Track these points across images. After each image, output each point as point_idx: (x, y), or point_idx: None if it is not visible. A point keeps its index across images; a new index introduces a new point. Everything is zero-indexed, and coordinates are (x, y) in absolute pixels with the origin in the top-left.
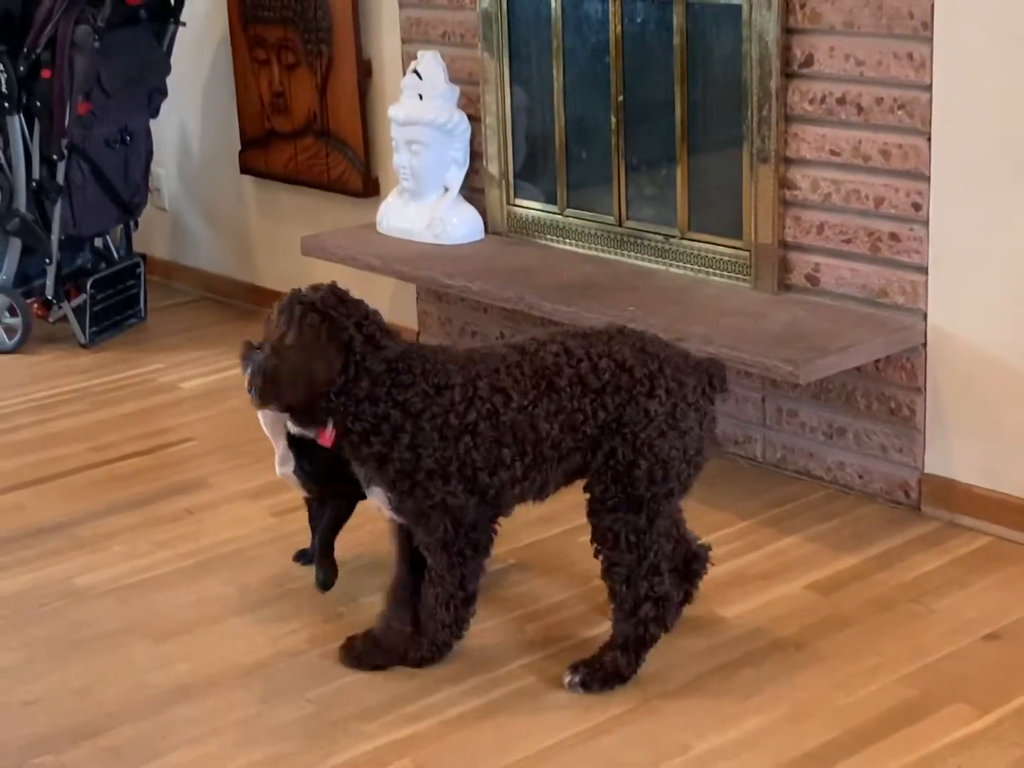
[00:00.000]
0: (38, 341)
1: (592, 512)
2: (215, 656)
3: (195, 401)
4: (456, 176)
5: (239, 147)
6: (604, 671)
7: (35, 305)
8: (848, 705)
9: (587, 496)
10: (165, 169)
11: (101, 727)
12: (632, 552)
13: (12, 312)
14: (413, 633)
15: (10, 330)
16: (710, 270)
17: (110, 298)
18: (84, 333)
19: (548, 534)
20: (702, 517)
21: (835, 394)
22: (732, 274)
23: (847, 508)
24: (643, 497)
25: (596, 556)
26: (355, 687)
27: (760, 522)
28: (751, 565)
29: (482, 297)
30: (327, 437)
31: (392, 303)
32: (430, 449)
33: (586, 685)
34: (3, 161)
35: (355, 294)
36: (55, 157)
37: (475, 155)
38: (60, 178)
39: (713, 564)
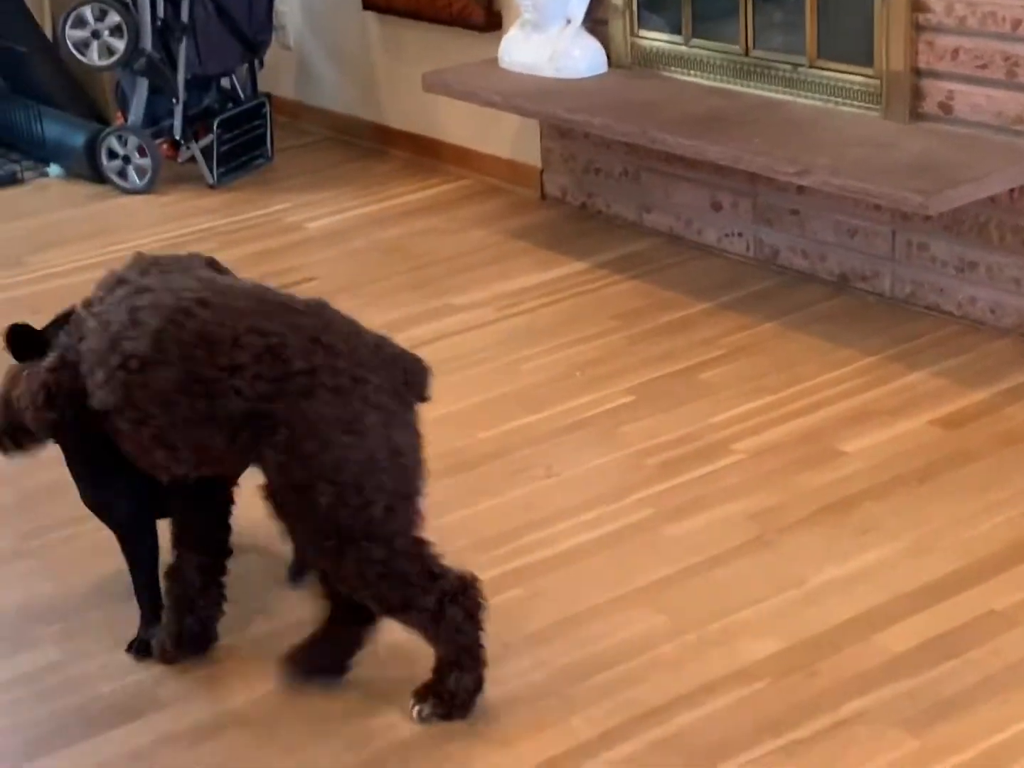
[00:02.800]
0: (167, 182)
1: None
2: None
3: (320, 241)
4: (579, 7)
5: None
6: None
7: (164, 146)
8: (971, 539)
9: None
10: (288, 7)
11: None
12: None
13: (142, 152)
14: None
15: (140, 170)
16: (839, 99)
17: (237, 138)
18: (212, 174)
19: (666, 371)
20: (826, 354)
21: (967, 226)
22: (862, 103)
23: (977, 343)
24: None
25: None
26: (473, 519)
27: (886, 358)
28: (875, 401)
29: (604, 132)
30: None
31: (515, 141)
32: None
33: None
34: (128, 0)
35: (479, 131)
36: None
37: None
38: (185, 16)
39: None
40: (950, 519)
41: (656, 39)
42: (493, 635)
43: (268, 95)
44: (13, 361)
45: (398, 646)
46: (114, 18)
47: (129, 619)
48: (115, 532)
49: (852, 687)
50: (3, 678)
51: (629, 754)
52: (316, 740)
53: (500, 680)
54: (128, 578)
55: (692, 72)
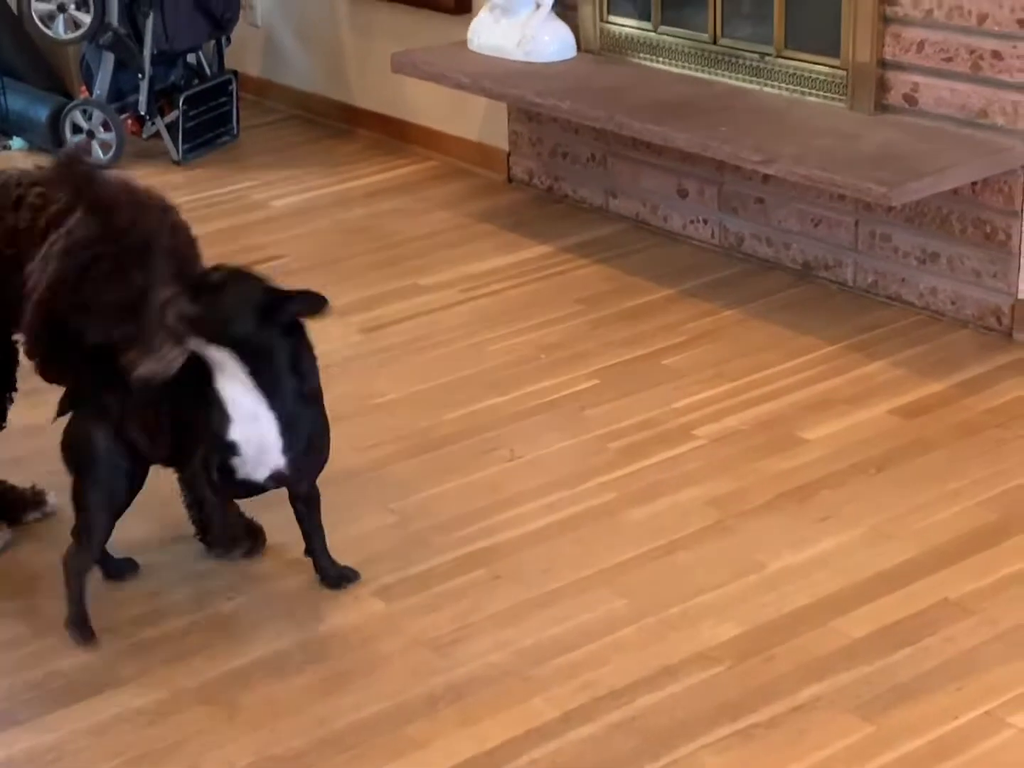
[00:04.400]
0: (132, 157)
1: None
2: None
3: (286, 219)
4: None
5: None
6: None
7: (129, 121)
8: (927, 527)
9: None
10: None
11: (186, 533)
12: None
13: (106, 127)
14: None
15: (104, 145)
16: (806, 90)
17: (203, 115)
18: (177, 150)
19: (629, 356)
20: (788, 342)
21: (930, 218)
22: (828, 94)
23: (937, 334)
24: None
25: None
26: (436, 499)
27: (847, 347)
28: (835, 389)
29: (572, 116)
30: None
31: (483, 123)
32: None
33: None
34: None
35: (447, 113)
36: None
37: None
38: None
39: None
40: (907, 507)
41: (625, 25)
42: (456, 616)
43: (235, 72)
44: None
45: (360, 627)
46: None
47: (92, 593)
48: None
49: (809, 672)
50: None
51: (590, 735)
52: (275, 720)
53: (462, 660)
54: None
55: (660, 59)
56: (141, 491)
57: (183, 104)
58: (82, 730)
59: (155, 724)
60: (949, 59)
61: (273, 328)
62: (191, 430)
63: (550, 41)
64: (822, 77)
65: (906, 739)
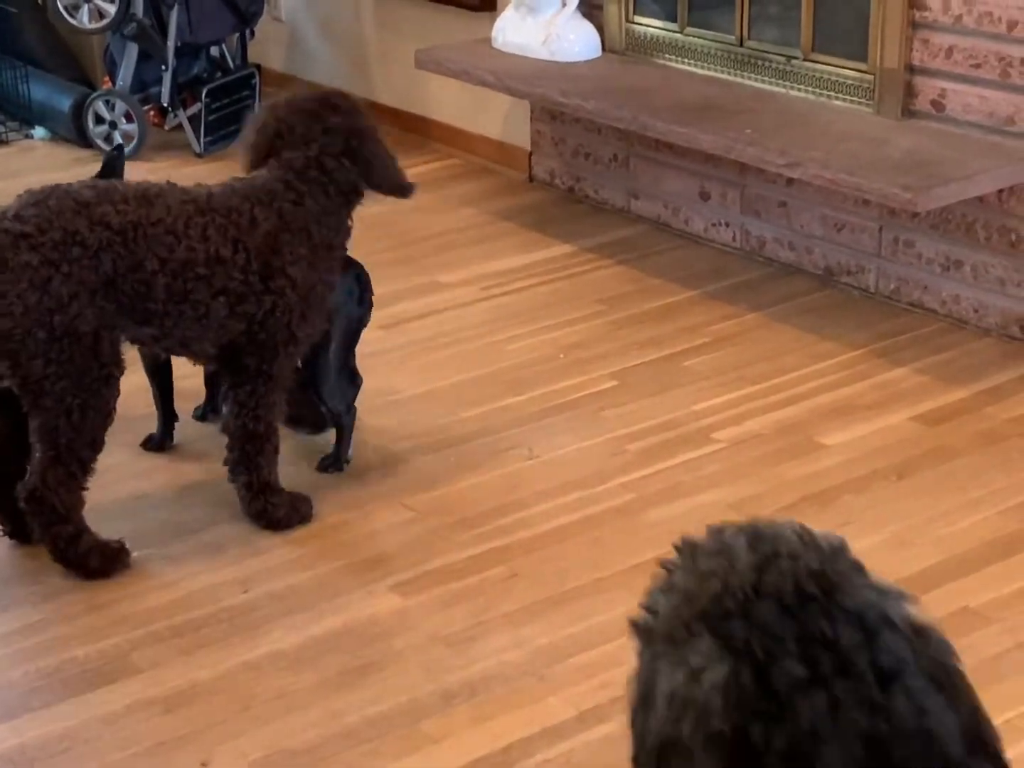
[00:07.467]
0: (154, 148)
1: None
2: (314, 463)
3: None
4: None
5: None
6: None
7: (151, 112)
8: (949, 535)
9: None
10: None
11: (203, 525)
12: None
13: (129, 118)
14: None
15: (127, 136)
16: (832, 93)
17: (225, 108)
18: (199, 142)
19: (650, 357)
20: (809, 346)
21: (954, 225)
22: (855, 98)
23: (960, 342)
24: None
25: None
26: (453, 497)
27: (869, 352)
28: (857, 395)
29: (596, 116)
30: None
31: (505, 122)
32: None
33: None
34: None
35: (469, 111)
36: None
37: None
38: None
39: None
40: (928, 515)
41: (651, 25)
42: (472, 613)
43: (258, 66)
44: None
45: (376, 622)
46: None
47: (107, 583)
48: None
49: None
50: None
51: (605, 735)
52: (289, 712)
53: (477, 658)
54: None
55: (686, 60)
56: (160, 485)
57: (205, 97)
58: (95, 719)
59: (168, 715)
60: (978, 65)
61: None
62: None
63: (575, 40)
64: (849, 81)
65: None
